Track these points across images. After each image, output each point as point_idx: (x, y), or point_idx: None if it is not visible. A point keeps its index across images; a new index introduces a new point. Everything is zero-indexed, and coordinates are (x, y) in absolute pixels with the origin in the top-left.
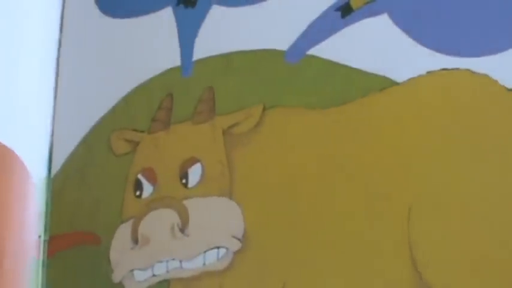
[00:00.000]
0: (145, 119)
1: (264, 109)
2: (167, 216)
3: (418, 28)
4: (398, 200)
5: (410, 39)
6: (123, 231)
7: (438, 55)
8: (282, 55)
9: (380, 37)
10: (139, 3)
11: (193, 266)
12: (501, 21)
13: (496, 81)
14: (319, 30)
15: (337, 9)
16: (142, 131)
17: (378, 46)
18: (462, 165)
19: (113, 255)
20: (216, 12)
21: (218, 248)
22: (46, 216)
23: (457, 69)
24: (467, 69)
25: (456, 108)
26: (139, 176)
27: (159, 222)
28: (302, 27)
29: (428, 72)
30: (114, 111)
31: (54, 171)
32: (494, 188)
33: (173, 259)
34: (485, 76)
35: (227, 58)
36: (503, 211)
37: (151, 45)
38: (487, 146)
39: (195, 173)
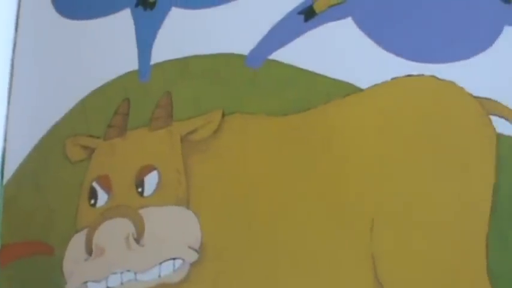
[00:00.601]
0: (102, 125)
1: (223, 115)
2: (122, 226)
3: (383, 33)
4: (361, 211)
5: (375, 44)
6: (77, 241)
7: (403, 61)
8: (243, 59)
9: (344, 41)
10: (97, 4)
11: (148, 278)
12: (467, 28)
13: (461, 89)
14: (282, 34)
15: (300, 13)
16: (98, 137)
17: (341, 51)
18: (425, 176)
19: (67, 266)
20: (175, 15)
21: (174, 259)
22: None
23: (422, 75)
24: (433, 76)
25: (421, 116)
26: (94, 184)
27: (114, 232)
28: (264, 30)
29: (392, 79)
30: (69, 116)
31: (6, 178)
32: (457, 200)
33: (128, 271)
34: (451, 83)
35: (186, 62)
36: (465, 223)
37: (108, 47)
38: (452, 156)
39: (151, 181)
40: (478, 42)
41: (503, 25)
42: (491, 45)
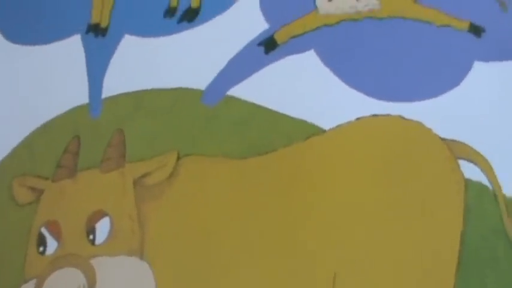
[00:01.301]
0: (50, 163)
1: (179, 157)
2: (72, 277)
3: (348, 68)
4: (322, 262)
5: (339, 80)
6: None
7: (369, 99)
8: (199, 95)
9: (306, 77)
10: (44, 28)
11: None
12: (435, 64)
13: (429, 130)
14: (241, 67)
15: (261, 44)
16: (46, 178)
17: (304, 87)
18: (390, 224)
19: None
20: (129, 43)
21: None
22: None
23: (388, 115)
24: (399, 116)
25: (386, 162)
26: (43, 230)
27: (64, 284)
28: (222, 63)
29: (357, 119)
30: (16, 154)
31: None
32: (423, 249)
33: None
34: (418, 124)
35: (139, 97)
36: (431, 272)
37: (57, 77)
38: (418, 203)
39: (102, 229)
40: (447, 79)
41: (473, 60)
42: (460, 82)
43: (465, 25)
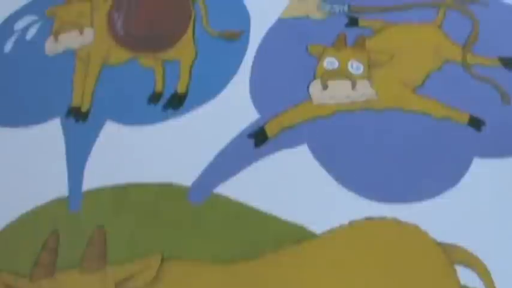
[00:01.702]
0: (28, 260)
1: (162, 259)
2: None
3: (341, 166)
4: None
5: (332, 178)
6: None
7: (363, 200)
8: (185, 192)
9: (298, 174)
10: (23, 109)
11: None
12: (433, 162)
13: (425, 234)
14: (229, 162)
15: (250, 136)
16: (24, 276)
17: (295, 185)
18: None
19: None
20: (111, 130)
21: None
22: None
23: (383, 218)
24: (394, 219)
25: (381, 268)
26: None
27: None
28: (209, 155)
29: (350, 223)
30: None
31: None
32: None
33: None
34: (414, 228)
35: (122, 191)
36: None
37: (35, 165)
38: None
39: None
40: (445, 178)
41: (473, 156)
42: (458, 181)
43: (465, 118)
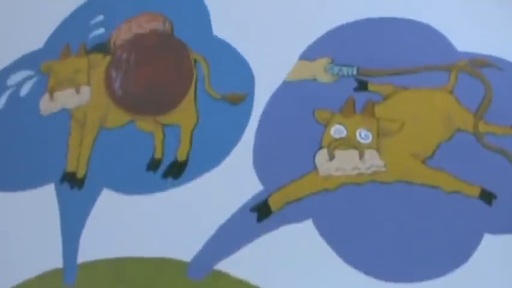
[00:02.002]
0: None
1: None
2: None
3: (347, 243)
4: None
5: (338, 256)
6: None
7: (369, 279)
8: (184, 268)
9: (302, 251)
10: (11, 173)
11: None
12: (441, 239)
13: None
14: (230, 237)
15: (253, 210)
16: None
17: (298, 263)
18: None
19: None
20: (107, 199)
21: None
22: None
23: None
24: None
25: None
26: None
27: None
28: (210, 229)
29: None
30: None
31: None
32: None
33: None
34: None
35: (119, 265)
36: None
37: (28, 234)
38: None
39: None
40: (454, 255)
41: (483, 232)
42: (468, 258)
43: (476, 191)
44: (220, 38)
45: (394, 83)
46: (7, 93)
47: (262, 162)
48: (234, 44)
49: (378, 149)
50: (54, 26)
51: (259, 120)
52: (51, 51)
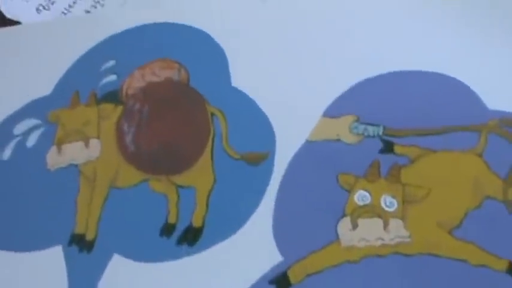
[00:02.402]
0: None
1: None
2: None
3: None
4: None
5: None
6: None
7: None
8: None
9: None
10: (15, 231)
11: None
12: None
13: None
14: None
15: (272, 282)
16: None
17: None
18: None
19: None
20: (118, 266)
21: None
22: None
23: None
24: None
25: None
26: None
27: None
28: None
29: None
30: None
31: None
32: None
33: None
34: None
35: None
36: None
37: None
38: None
39: None
40: None
41: None
42: None
43: (503, 265)
44: (239, 90)
45: (420, 144)
46: (13, 143)
47: (282, 230)
48: (253, 97)
49: (402, 218)
50: (63, 70)
51: (280, 184)
52: (60, 98)
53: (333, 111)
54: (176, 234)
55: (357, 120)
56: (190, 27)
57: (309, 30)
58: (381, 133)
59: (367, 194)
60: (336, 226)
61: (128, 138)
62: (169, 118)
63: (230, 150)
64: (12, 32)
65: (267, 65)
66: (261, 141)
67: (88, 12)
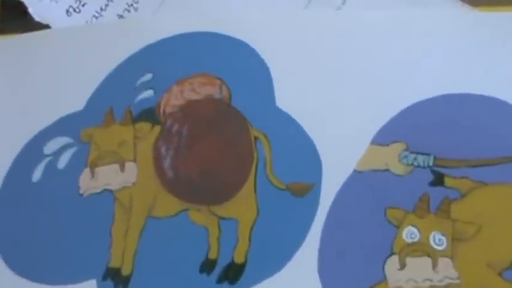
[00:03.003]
0: None
1: None
2: None
3: None
4: None
5: None
6: None
7: None
8: None
9: None
10: (54, 265)
11: None
12: None
13: None
14: None
15: None
16: None
17: None
18: None
19: None
20: None
21: None
22: None
23: None
24: None
25: None
26: None
27: None
28: None
29: None
30: None
31: None
32: None
33: None
34: None
35: None
36: None
37: None
38: None
39: None
40: None
41: None
42: None
43: None
44: (284, 111)
45: (472, 176)
46: (44, 163)
47: (327, 268)
48: (298, 120)
49: (452, 257)
50: (96, 82)
51: (326, 217)
52: (92, 115)
53: (381, 139)
54: (217, 270)
55: (406, 149)
56: (232, 38)
57: (358, 51)
58: (431, 163)
59: (415, 230)
60: (383, 265)
61: (166, 163)
62: (210, 141)
63: (275, 179)
64: (42, 37)
65: (312, 85)
66: (306, 169)
67: (121, 16)
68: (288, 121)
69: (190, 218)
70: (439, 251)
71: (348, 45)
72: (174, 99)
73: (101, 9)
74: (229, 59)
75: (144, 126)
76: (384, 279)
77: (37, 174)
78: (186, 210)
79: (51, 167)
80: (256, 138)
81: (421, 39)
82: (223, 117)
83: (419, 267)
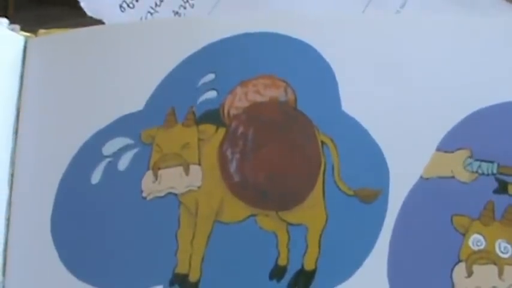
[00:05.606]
0: None
1: None
2: None
3: None
4: None
5: None
6: None
7: None
8: None
9: None
10: (118, 271)
11: None
12: None
13: None
14: None
15: None
16: None
17: None
18: None
19: None
20: None
21: None
22: None
23: None
24: None
25: None
26: None
27: None
28: None
29: None
30: None
31: None
32: None
33: None
34: None
35: None
36: None
37: None
38: None
39: None
40: None
41: None
42: None
43: None
44: (350, 116)
45: None
46: (103, 164)
47: (396, 275)
48: (365, 125)
49: None
50: (156, 81)
51: (395, 224)
52: (153, 115)
53: (447, 145)
54: (287, 277)
55: (471, 156)
56: (295, 39)
57: (422, 56)
58: (495, 171)
59: (481, 238)
60: (451, 272)
61: (232, 167)
62: (277, 145)
63: (343, 185)
64: (95, 33)
65: (377, 90)
66: (373, 175)
67: (176, 13)
68: (354, 126)
69: (258, 223)
70: (505, 259)
71: (411, 50)
72: (238, 101)
73: (156, 4)
74: (294, 61)
75: (208, 128)
76: (452, 286)
77: (96, 176)
78: (254, 215)
79: (111, 168)
80: (323, 143)
81: (486, 44)
82: (289, 121)
83: (485, 275)
